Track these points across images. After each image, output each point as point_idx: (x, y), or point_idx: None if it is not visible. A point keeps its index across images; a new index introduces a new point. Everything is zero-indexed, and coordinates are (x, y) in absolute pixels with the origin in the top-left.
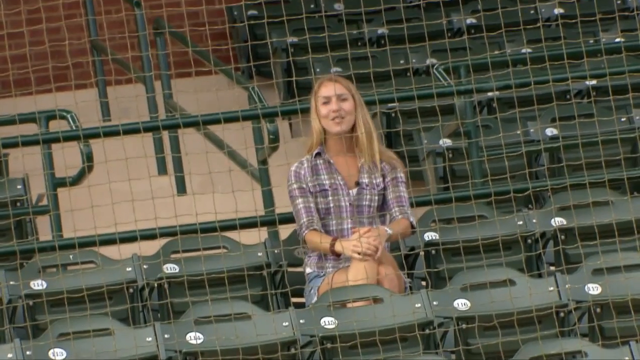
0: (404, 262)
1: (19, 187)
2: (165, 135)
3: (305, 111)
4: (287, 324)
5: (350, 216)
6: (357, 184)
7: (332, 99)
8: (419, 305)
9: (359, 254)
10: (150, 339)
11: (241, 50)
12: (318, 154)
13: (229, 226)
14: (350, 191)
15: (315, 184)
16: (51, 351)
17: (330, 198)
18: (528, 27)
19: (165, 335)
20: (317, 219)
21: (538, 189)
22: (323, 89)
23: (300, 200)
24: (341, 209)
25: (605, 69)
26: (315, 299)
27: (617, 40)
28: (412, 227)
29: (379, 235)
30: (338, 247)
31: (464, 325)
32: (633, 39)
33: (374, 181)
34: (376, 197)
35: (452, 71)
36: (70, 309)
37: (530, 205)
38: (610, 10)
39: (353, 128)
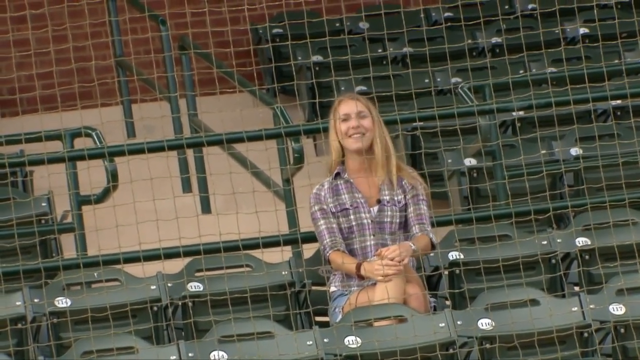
0: (424, 282)
1: (43, 204)
2: (190, 153)
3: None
4: (311, 342)
5: (372, 233)
6: (379, 201)
7: (352, 115)
8: (443, 324)
9: (383, 276)
10: (174, 357)
11: (266, 69)
12: (338, 174)
13: (253, 245)
14: (372, 209)
15: (336, 204)
16: None
17: (352, 217)
18: (552, 48)
19: (190, 354)
20: (340, 239)
21: (560, 210)
22: (343, 107)
23: (322, 222)
24: (363, 226)
25: (627, 90)
26: (339, 317)
27: None
28: (432, 244)
29: (402, 252)
30: (363, 271)
31: (487, 345)
32: None
33: (395, 198)
34: (398, 214)
35: (476, 91)
36: (94, 327)
37: (553, 226)
38: (634, 31)
39: (371, 146)
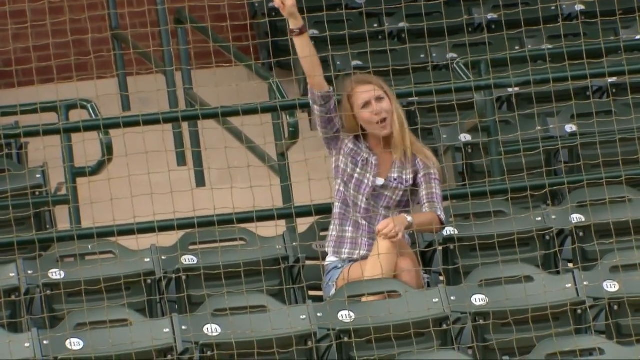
0: (419, 258)
1: (38, 176)
2: (185, 127)
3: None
4: (304, 317)
5: (366, 198)
6: (386, 178)
7: (372, 101)
8: (437, 300)
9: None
10: (167, 330)
11: (262, 43)
12: (366, 144)
13: (247, 219)
14: (377, 178)
15: (355, 152)
16: (68, 341)
17: (358, 169)
18: (548, 24)
19: (183, 327)
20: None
21: (555, 186)
22: (361, 93)
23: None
24: (362, 185)
25: (624, 67)
26: (333, 291)
27: (638, 37)
28: (442, 222)
29: (397, 225)
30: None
31: (481, 321)
32: None
33: (404, 177)
34: (400, 193)
35: (472, 66)
36: (88, 299)
37: (548, 202)
38: (631, 8)
39: (390, 138)
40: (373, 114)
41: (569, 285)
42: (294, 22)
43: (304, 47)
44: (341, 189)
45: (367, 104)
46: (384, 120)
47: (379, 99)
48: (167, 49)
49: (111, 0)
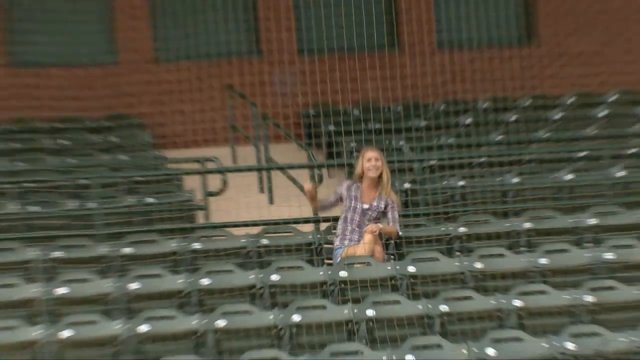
0: (384, 246)
1: (187, 194)
2: (264, 173)
3: (334, 166)
4: (322, 273)
5: (358, 216)
6: (369, 204)
7: (373, 159)
8: (389, 268)
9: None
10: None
11: (305, 131)
12: (356, 184)
13: (295, 221)
14: (363, 204)
15: (349, 192)
16: None
17: (352, 202)
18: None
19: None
20: (327, 203)
21: (454, 212)
22: (368, 153)
23: (332, 194)
24: (355, 209)
25: None
26: (338, 260)
27: None
28: (398, 232)
29: (375, 228)
30: (366, 238)
31: (412, 280)
32: None
33: (379, 205)
34: (375, 214)
35: (412, 149)
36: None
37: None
38: None
39: (380, 176)
40: (371, 165)
41: (456, 264)
42: (313, 204)
43: (316, 207)
44: (344, 209)
45: (369, 159)
46: (376, 168)
47: (376, 159)
48: (257, 134)
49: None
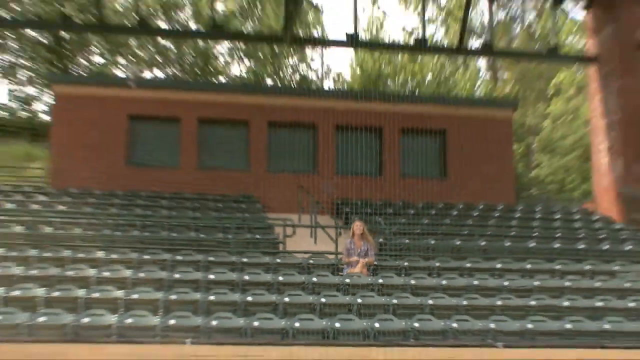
0: (369, 269)
1: (275, 235)
2: (313, 229)
3: (346, 228)
4: (338, 279)
5: (356, 255)
6: (360, 249)
7: (358, 226)
8: (370, 279)
9: (360, 268)
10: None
11: (335, 210)
12: (351, 239)
13: (327, 253)
14: (358, 249)
15: (351, 245)
16: None
17: (353, 248)
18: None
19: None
20: (346, 256)
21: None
22: (356, 223)
23: (345, 250)
24: (355, 251)
25: None
26: (345, 273)
27: None
28: (374, 262)
29: (365, 262)
30: (356, 263)
31: (380, 286)
32: None
33: (364, 249)
34: (363, 252)
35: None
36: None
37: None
38: None
39: (362, 235)
40: (356, 228)
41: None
42: (355, 263)
43: (352, 261)
44: (346, 252)
45: (357, 226)
46: (359, 230)
47: (357, 226)
48: (313, 213)
49: None
